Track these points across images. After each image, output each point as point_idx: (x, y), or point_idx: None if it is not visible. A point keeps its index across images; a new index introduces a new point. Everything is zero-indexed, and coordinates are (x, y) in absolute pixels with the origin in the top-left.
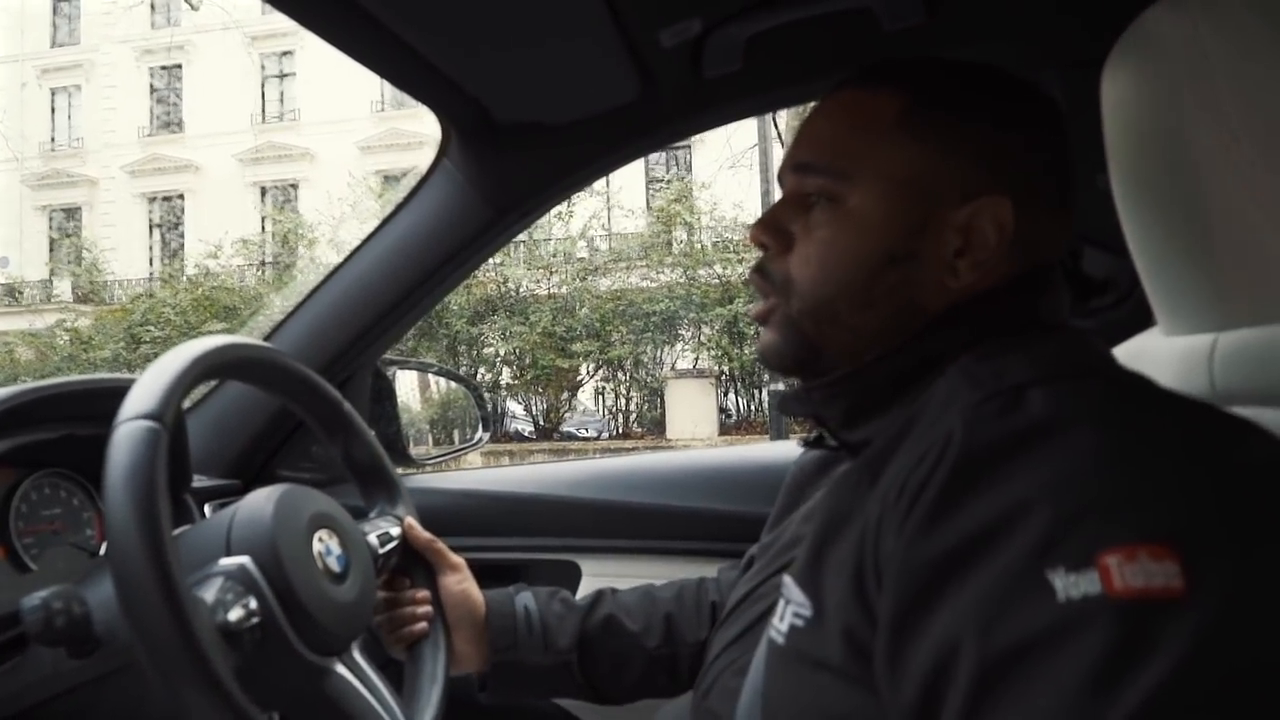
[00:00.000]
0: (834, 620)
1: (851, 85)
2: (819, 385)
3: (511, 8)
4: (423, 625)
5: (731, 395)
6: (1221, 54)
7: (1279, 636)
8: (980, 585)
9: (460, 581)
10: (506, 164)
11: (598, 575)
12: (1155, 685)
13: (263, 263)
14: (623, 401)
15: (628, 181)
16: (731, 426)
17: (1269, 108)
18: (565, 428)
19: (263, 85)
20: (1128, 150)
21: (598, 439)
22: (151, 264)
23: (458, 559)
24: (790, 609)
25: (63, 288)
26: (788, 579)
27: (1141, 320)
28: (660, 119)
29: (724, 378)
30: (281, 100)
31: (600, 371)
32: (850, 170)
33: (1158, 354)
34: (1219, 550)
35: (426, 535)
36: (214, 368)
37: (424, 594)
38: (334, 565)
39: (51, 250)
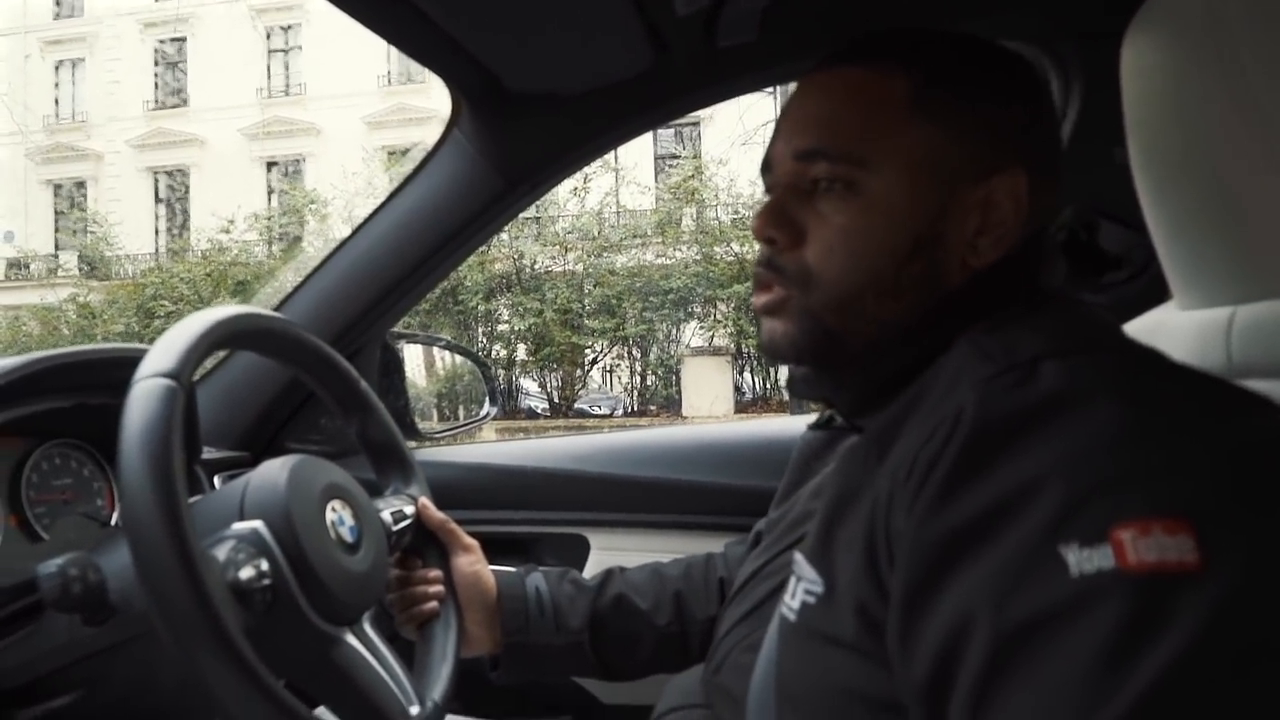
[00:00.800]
0: (846, 596)
1: (851, 62)
2: (831, 373)
3: None
4: (434, 605)
5: (747, 373)
6: (1243, 24)
7: None
8: (993, 561)
9: (473, 563)
10: (518, 134)
11: (606, 549)
12: (1169, 660)
13: (280, 237)
14: (637, 379)
15: (639, 158)
16: (747, 404)
17: None
18: (580, 405)
19: (268, 59)
20: (1147, 123)
21: (612, 416)
22: (157, 238)
23: (471, 540)
24: (802, 586)
25: (70, 261)
26: (799, 556)
27: (1156, 295)
28: (673, 90)
29: (739, 355)
30: (287, 74)
31: (615, 349)
32: (867, 155)
33: (1174, 328)
34: (1234, 524)
35: (440, 516)
36: (233, 335)
37: (436, 574)
38: (346, 535)
39: (57, 224)
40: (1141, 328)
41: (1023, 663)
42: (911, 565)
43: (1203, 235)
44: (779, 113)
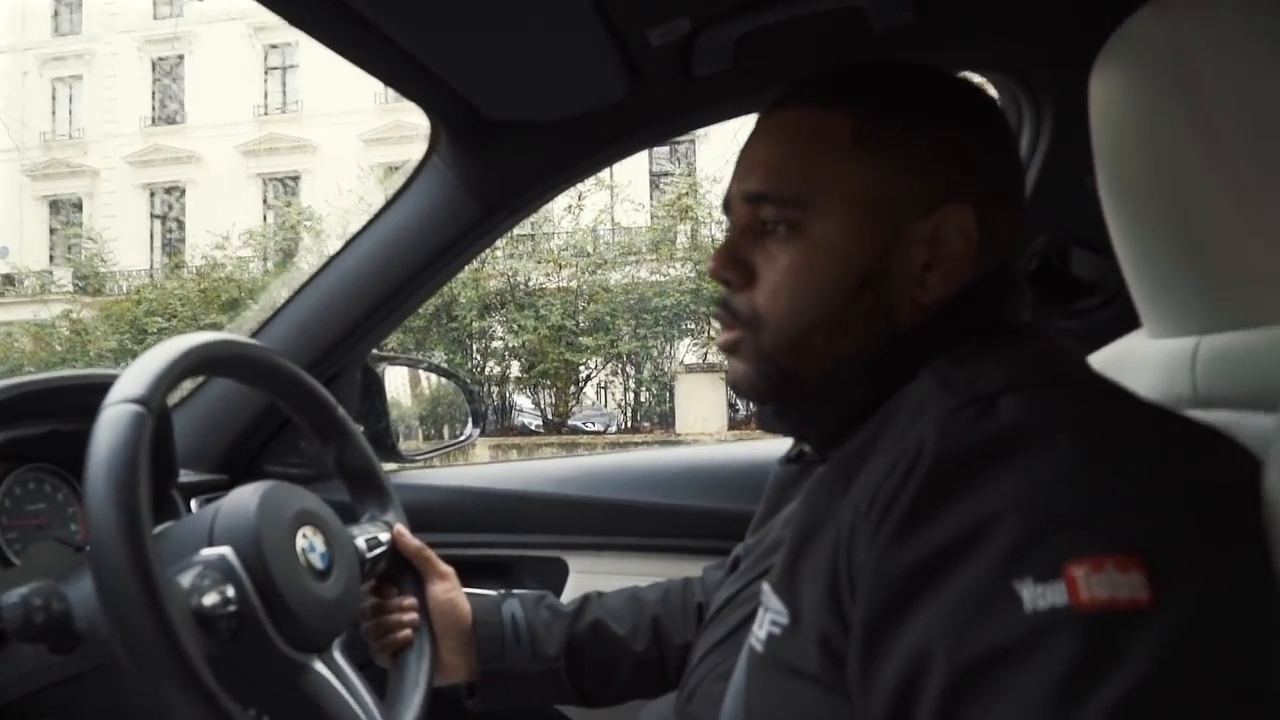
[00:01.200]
0: (809, 628)
1: (794, 104)
2: (796, 408)
3: (500, 6)
4: (408, 633)
5: None
6: (1207, 57)
7: (1245, 649)
8: (951, 595)
9: (448, 590)
10: (495, 161)
11: (585, 572)
12: (1120, 696)
13: (276, 254)
14: (631, 395)
15: (634, 176)
16: (740, 421)
17: (1254, 111)
18: (573, 421)
19: (265, 76)
20: (1114, 152)
21: (605, 433)
22: (153, 255)
23: (446, 568)
24: (769, 616)
25: (63, 277)
26: (766, 587)
27: (1129, 321)
28: (650, 118)
29: None
30: (284, 91)
31: (609, 365)
32: (809, 197)
33: (1142, 356)
34: (1187, 562)
35: (416, 543)
36: (205, 362)
37: (410, 602)
38: (317, 562)
39: (52, 240)
40: (1111, 356)
41: (978, 697)
42: (872, 598)
43: (1168, 264)
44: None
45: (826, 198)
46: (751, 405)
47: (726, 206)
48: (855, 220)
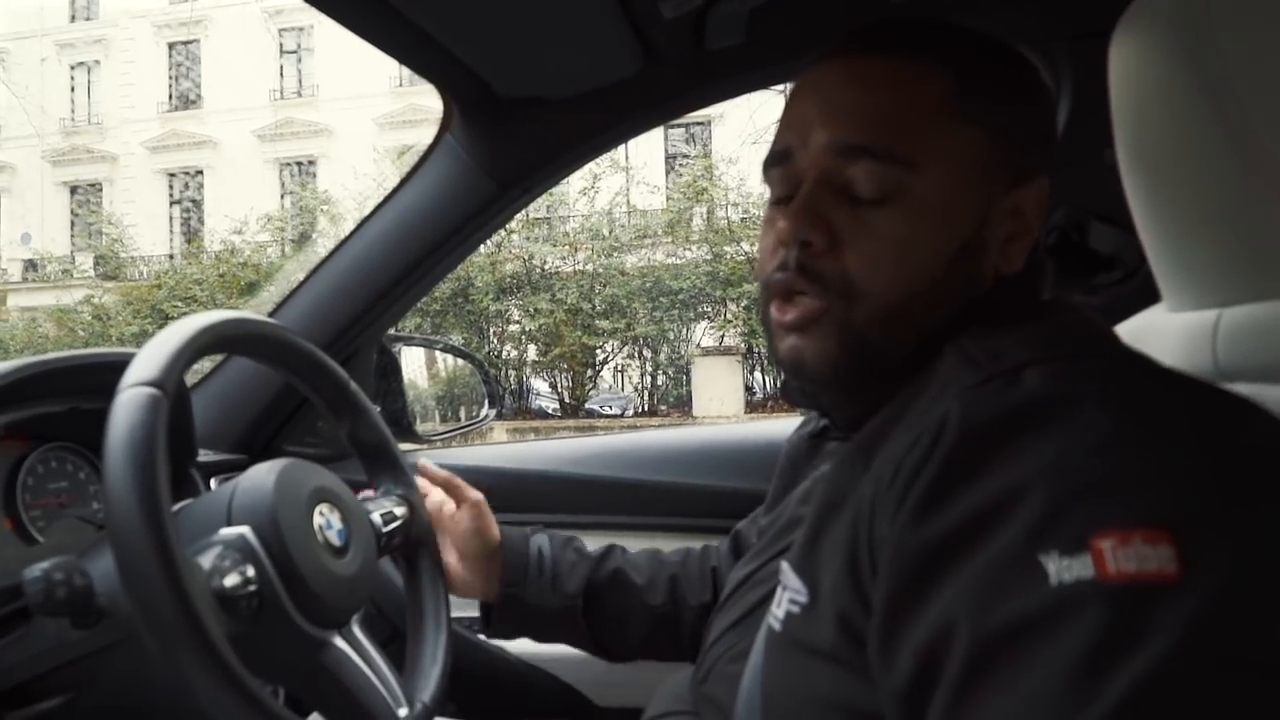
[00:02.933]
0: (828, 605)
1: (884, 53)
2: (858, 388)
3: None
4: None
5: (757, 372)
6: (1226, 26)
7: (1274, 624)
8: (975, 569)
9: (475, 517)
10: (509, 138)
11: None
12: (1146, 671)
13: (293, 238)
14: (648, 379)
15: (649, 158)
16: (758, 403)
17: (1272, 81)
18: (590, 405)
19: (281, 60)
20: (1133, 124)
21: (623, 416)
22: (172, 240)
23: (476, 494)
24: (787, 595)
25: (85, 262)
26: (785, 565)
27: (1149, 296)
28: (663, 93)
29: (750, 354)
30: (300, 76)
31: (626, 349)
32: (915, 156)
33: (1163, 330)
34: (1216, 535)
35: (443, 473)
36: (218, 341)
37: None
38: (334, 539)
39: (73, 226)
40: (1132, 329)
41: (1001, 670)
42: (895, 573)
43: (1189, 237)
44: (794, 97)
45: (931, 159)
46: (772, 385)
47: (782, 157)
48: (958, 184)
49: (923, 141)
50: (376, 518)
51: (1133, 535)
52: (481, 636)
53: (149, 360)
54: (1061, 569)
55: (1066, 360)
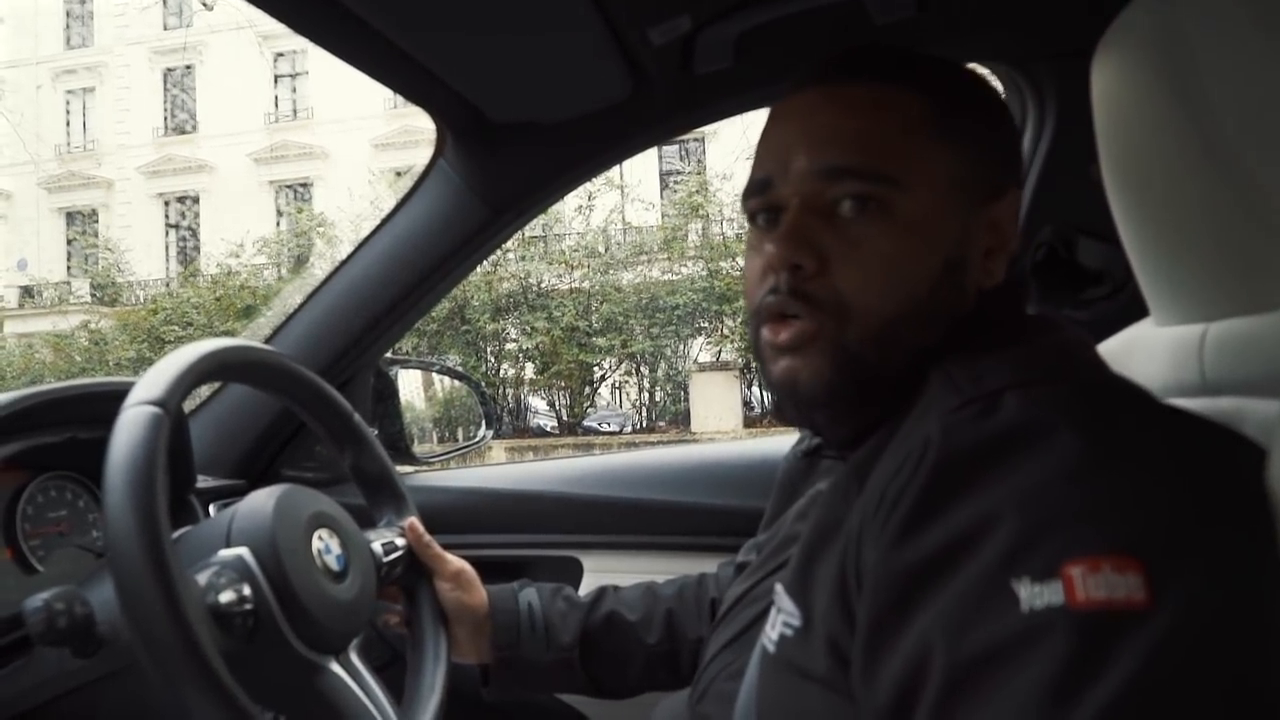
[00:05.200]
0: (820, 629)
1: (858, 77)
2: (853, 408)
3: (501, 9)
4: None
5: (755, 387)
6: (1206, 44)
7: (1240, 653)
8: (951, 594)
9: (454, 589)
10: (502, 163)
11: (600, 570)
12: (1112, 697)
13: (296, 259)
14: (646, 395)
15: (644, 175)
16: (755, 418)
17: (1253, 97)
18: (588, 422)
19: (275, 84)
20: (1117, 141)
21: (621, 433)
22: (168, 264)
23: (458, 564)
24: (781, 618)
25: (81, 288)
26: (779, 587)
27: (1137, 310)
28: (653, 116)
29: (747, 370)
30: (294, 99)
31: (623, 365)
32: (898, 175)
33: (1150, 344)
34: (1186, 564)
35: (425, 539)
36: (220, 368)
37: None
38: (333, 564)
39: (70, 251)
40: (1119, 344)
41: (972, 696)
42: (875, 597)
43: (1174, 252)
44: (771, 126)
45: (915, 177)
46: (770, 402)
47: (763, 186)
48: (939, 201)
49: (904, 161)
50: (378, 547)
51: (1102, 563)
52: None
53: (152, 381)
54: (1033, 595)
55: (1043, 384)
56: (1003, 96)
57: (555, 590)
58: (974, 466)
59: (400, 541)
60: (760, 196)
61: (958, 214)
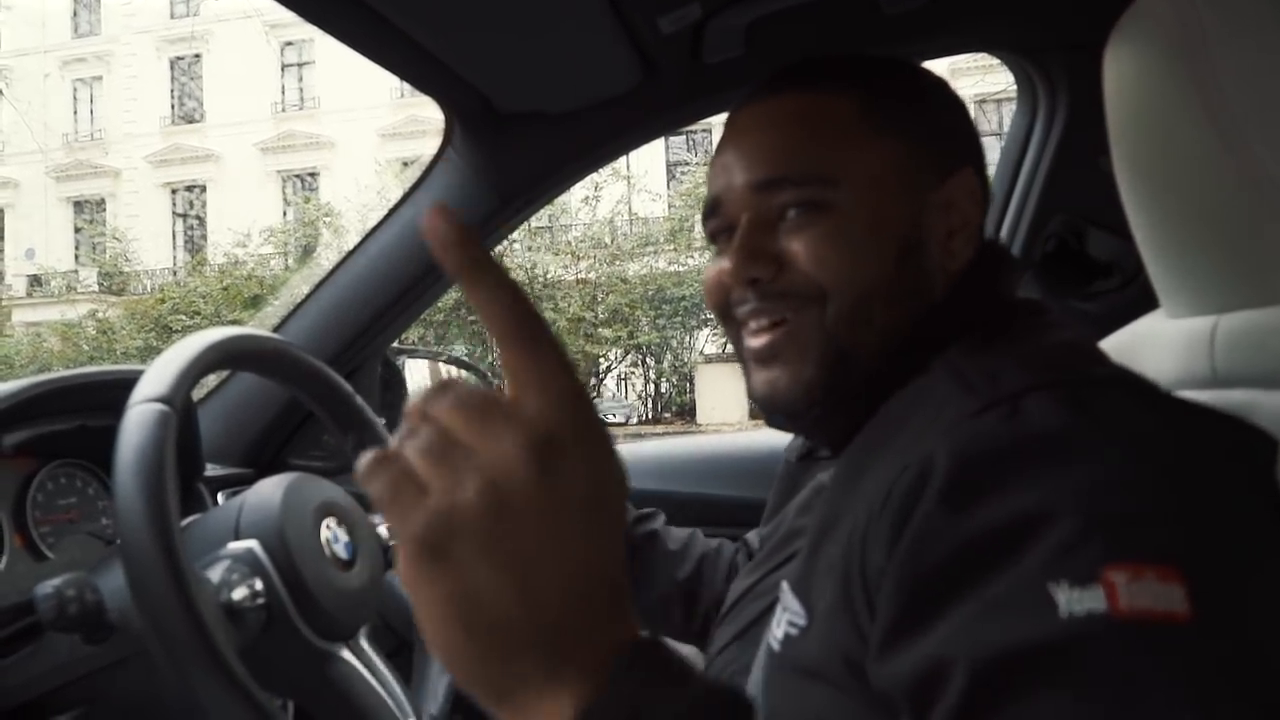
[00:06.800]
0: (825, 628)
1: (787, 90)
2: (836, 404)
3: None
4: None
5: None
6: (1219, 35)
7: (1276, 668)
8: (982, 600)
9: None
10: (510, 152)
11: None
12: (1149, 712)
13: (303, 249)
14: (651, 387)
15: (650, 166)
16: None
17: (1266, 89)
18: None
19: (282, 73)
20: (1129, 132)
21: (626, 424)
22: (175, 253)
23: None
24: (786, 616)
25: (89, 277)
26: (785, 585)
27: (1147, 302)
28: (662, 106)
29: None
30: (301, 89)
31: (629, 357)
32: (832, 173)
33: (1161, 337)
34: (1227, 576)
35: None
36: (225, 357)
37: None
38: (341, 553)
39: (77, 241)
40: (1130, 336)
41: (1006, 698)
42: (895, 604)
43: (1185, 244)
44: (718, 149)
45: (848, 173)
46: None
47: (713, 209)
48: (879, 193)
49: (836, 159)
50: (384, 531)
51: (1145, 570)
52: None
53: (157, 377)
54: (1072, 600)
55: (1065, 385)
56: (944, 88)
57: None
58: (1002, 472)
59: None
60: (714, 218)
61: (904, 199)
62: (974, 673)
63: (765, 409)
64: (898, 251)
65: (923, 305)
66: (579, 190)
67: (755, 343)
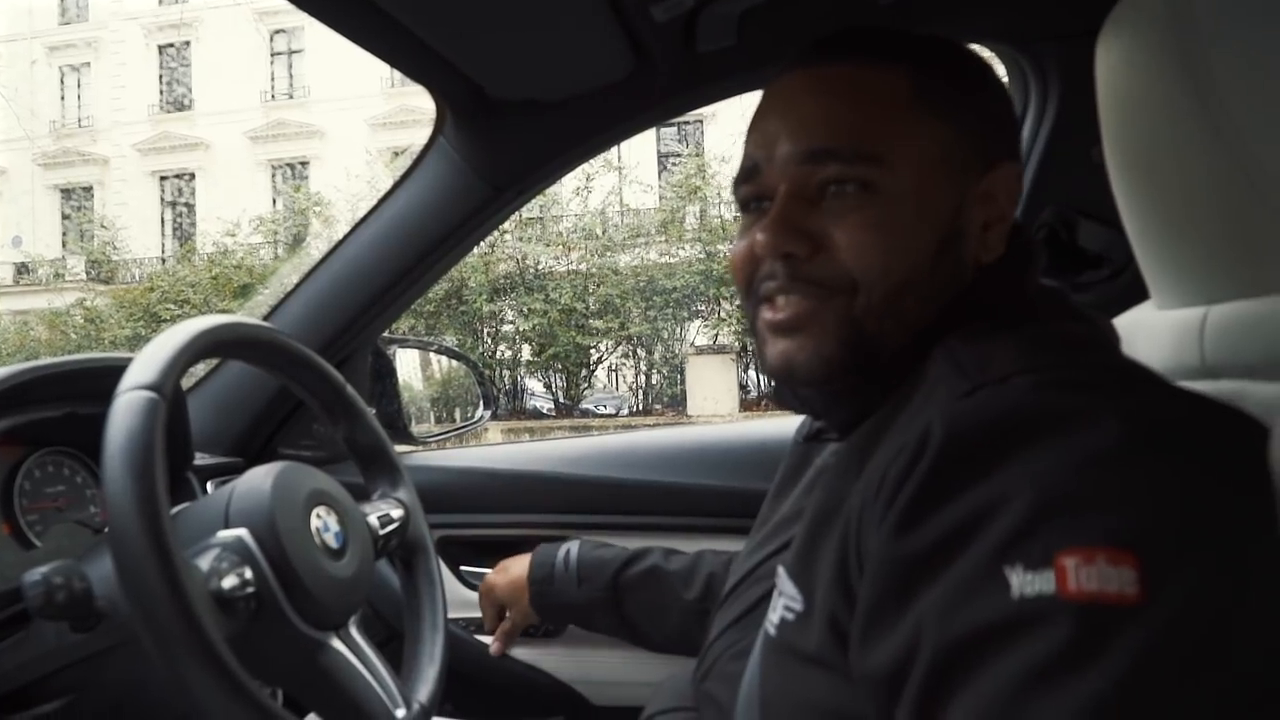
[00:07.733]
0: (820, 611)
1: (843, 59)
2: (852, 386)
3: None
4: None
5: (751, 370)
6: (1211, 26)
7: (1229, 655)
8: (946, 582)
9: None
10: (502, 141)
11: None
12: (1095, 690)
13: (293, 239)
14: (642, 378)
15: (642, 157)
16: (752, 401)
17: (1257, 79)
18: (585, 405)
19: (272, 62)
20: (1120, 122)
21: (617, 415)
22: (164, 242)
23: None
24: (782, 601)
25: (76, 265)
26: (781, 570)
27: (1138, 293)
28: (655, 94)
29: (744, 353)
30: (291, 77)
31: (620, 348)
32: (882, 153)
33: (1151, 327)
34: (1183, 560)
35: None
36: (214, 345)
37: None
38: (331, 541)
39: (65, 229)
40: (1121, 326)
41: (959, 676)
42: (875, 584)
43: (1175, 235)
44: (758, 114)
45: (898, 154)
46: (766, 383)
47: (751, 174)
48: (927, 177)
49: (887, 138)
50: (373, 520)
51: (1096, 554)
52: (479, 638)
53: (146, 364)
54: (1025, 582)
55: (1050, 370)
56: (993, 73)
57: (600, 544)
58: (977, 454)
59: (396, 513)
60: (749, 184)
61: (949, 187)
62: (934, 654)
63: (781, 380)
64: (938, 244)
65: (950, 297)
66: (570, 181)
67: (776, 316)
